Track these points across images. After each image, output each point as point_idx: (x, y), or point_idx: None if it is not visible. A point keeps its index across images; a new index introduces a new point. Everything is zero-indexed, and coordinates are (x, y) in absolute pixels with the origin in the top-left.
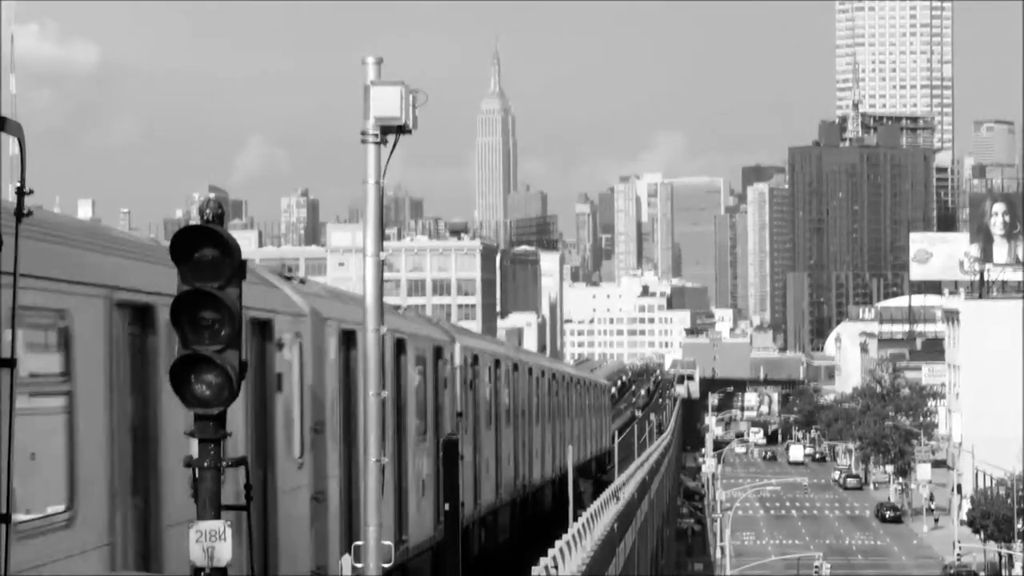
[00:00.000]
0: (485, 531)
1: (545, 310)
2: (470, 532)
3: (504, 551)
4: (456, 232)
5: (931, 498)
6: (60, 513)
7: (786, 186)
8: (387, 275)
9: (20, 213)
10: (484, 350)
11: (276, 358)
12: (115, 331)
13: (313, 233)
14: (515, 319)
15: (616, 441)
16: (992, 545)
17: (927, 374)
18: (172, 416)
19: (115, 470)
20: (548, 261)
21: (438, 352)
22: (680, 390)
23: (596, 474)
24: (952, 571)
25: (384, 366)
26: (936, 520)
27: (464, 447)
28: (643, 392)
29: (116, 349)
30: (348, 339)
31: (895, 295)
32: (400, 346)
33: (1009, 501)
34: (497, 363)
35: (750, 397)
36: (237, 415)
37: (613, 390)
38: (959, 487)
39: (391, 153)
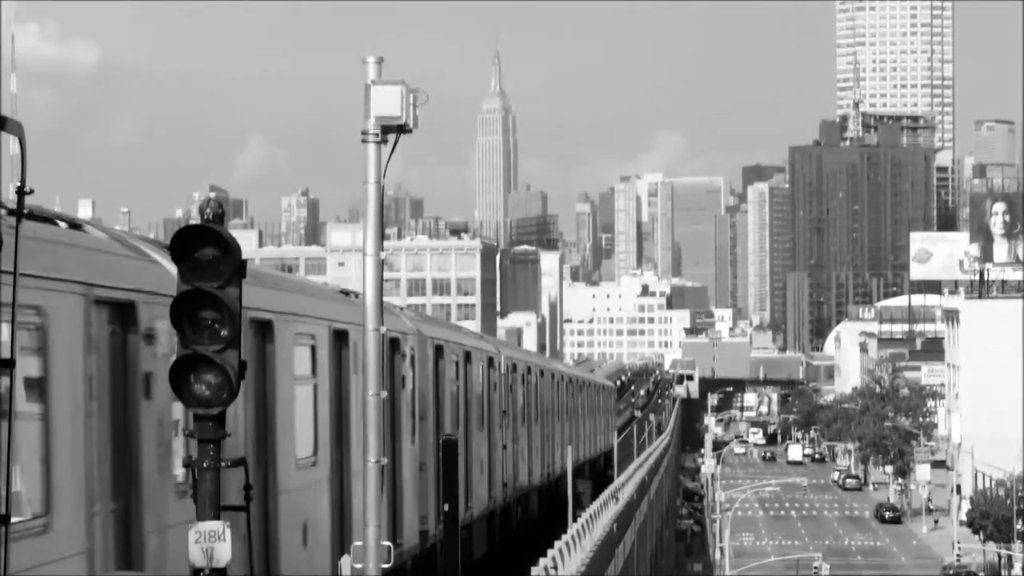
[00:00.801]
0: (520, 509)
1: (545, 310)
2: (511, 508)
3: (534, 526)
4: (456, 232)
5: (929, 498)
6: None
7: (786, 186)
8: (387, 275)
9: (20, 212)
10: (521, 359)
11: (402, 365)
12: None
13: (313, 233)
14: (515, 319)
15: (616, 441)
16: (991, 546)
17: (927, 374)
18: None
19: None
20: (548, 261)
21: (490, 361)
22: (679, 390)
23: (603, 467)
24: (951, 572)
25: (458, 372)
26: (936, 521)
27: (506, 439)
28: (642, 392)
29: None
30: (439, 351)
31: (895, 295)
32: (468, 357)
33: (1008, 502)
34: (528, 370)
35: (749, 397)
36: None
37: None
38: (958, 488)
39: (391, 153)
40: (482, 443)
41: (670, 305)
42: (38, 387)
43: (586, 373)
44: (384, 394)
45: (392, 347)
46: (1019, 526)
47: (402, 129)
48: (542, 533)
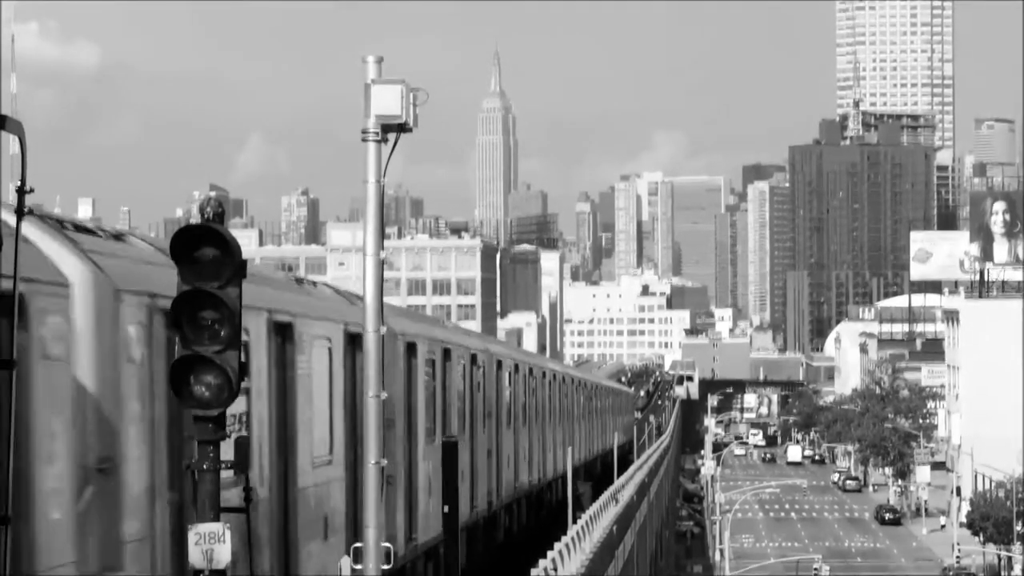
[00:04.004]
0: (558, 490)
1: (545, 310)
2: (550, 488)
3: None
4: (457, 231)
5: (925, 501)
6: None
7: (786, 185)
8: (387, 274)
9: (21, 212)
10: (555, 370)
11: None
12: None
13: (313, 232)
14: (514, 319)
15: (616, 443)
16: (991, 547)
17: (927, 375)
18: None
19: None
20: (548, 260)
21: (530, 370)
22: (679, 391)
23: (624, 454)
24: (951, 573)
25: (502, 380)
26: (943, 526)
27: (547, 433)
28: (642, 393)
29: None
30: (410, 349)
31: (895, 294)
32: (513, 366)
33: (1008, 503)
34: (564, 379)
35: (749, 398)
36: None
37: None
38: (958, 489)
39: (391, 152)
40: (517, 436)
41: (670, 305)
42: None
43: (611, 381)
44: (385, 395)
45: (353, 344)
46: (1019, 528)
47: (402, 128)
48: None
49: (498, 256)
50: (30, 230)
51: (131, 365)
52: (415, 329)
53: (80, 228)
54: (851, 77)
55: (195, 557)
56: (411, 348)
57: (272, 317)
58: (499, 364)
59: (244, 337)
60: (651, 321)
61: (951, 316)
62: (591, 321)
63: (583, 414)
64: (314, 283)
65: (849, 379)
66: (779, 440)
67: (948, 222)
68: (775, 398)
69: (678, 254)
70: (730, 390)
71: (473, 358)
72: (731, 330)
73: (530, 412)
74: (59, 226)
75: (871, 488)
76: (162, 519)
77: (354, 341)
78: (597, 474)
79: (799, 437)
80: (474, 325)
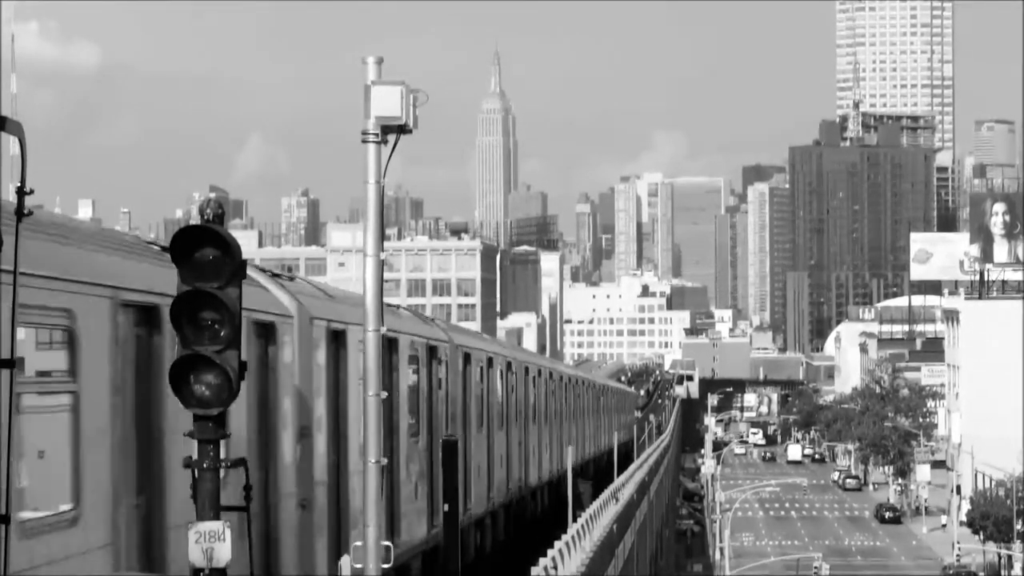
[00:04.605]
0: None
1: (545, 310)
2: (566, 479)
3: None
4: (456, 232)
5: (924, 500)
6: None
7: (786, 186)
8: (387, 275)
9: (20, 212)
10: (569, 374)
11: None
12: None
13: (313, 233)
14: (515, 319)
15: (616, 441)
16: (991, 546)
17: (927, 374)
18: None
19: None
20: (548, 261)
21: (550, 374)
22: (679, 390)
23: (627, 451)
24: (951, 572)
25: (528, 383)
26: (944, 526)
27: (564, 429)
28: (642, 392)
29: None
30: (466, 359)
31: (895, 295)
32: (536, 371)
33: (1008, 502)
34: (576, 381)
35: (749, 398)
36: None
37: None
38: (958, 488)
39: (391, 153)
40: (540, 433)
41: (670, 305)
42: None
43: (617, 383)
44: (384, 394)
45: (430, 354)
46: (1019, 526)
47: (402, 129)
48: (547, 530)
49: (498, 257)
50: (263, 279)
51: (318, 369)
52: (469, 342)
53: (285, 276)
54: (851, 78)
55: (195, 556)
56: (467, 357)
57: (520, 365)
58: (526, 369)
59: (444, 357)
60: (651, 321)
61: (951, 316)
62: (591, 321)
63: (592, 413)
64: (397, 307)
65: (849, 378)
66: (779, 439)
67: (948, 223)
68: (775, 397)
69: (678, 255)
70: (730, 389)
71: (508, 364)
72: (731, 330)
73: (550, 411)
74: (275, 277)
75: (871, 487)
76: (334, 469)
77: (431, 352)
78: (603, 467)
79: (799, 436)
80: (474, 326)
